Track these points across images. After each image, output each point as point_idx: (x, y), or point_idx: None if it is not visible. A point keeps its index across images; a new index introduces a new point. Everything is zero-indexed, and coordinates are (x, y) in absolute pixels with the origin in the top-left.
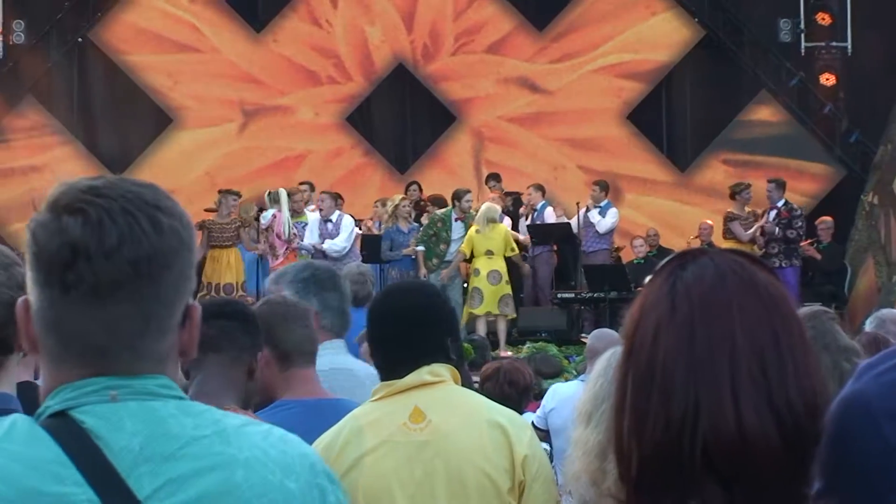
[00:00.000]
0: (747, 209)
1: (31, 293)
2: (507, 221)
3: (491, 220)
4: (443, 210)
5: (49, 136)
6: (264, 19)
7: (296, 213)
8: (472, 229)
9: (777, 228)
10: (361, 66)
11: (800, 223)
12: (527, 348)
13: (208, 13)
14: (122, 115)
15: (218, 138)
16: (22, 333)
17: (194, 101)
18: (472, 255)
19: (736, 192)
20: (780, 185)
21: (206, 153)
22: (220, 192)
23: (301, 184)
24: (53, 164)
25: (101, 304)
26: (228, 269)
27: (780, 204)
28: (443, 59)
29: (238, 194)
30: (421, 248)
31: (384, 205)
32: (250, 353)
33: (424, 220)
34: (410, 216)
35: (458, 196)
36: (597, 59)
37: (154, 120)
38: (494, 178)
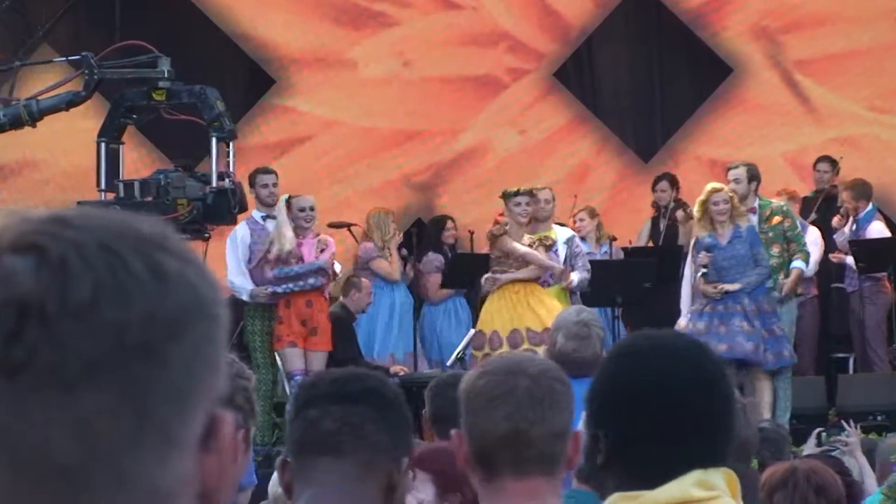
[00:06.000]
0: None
1: None
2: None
3: None
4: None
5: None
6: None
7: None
8: None
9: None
10: (549, 30)
11: None
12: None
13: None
14: (203, 75)
15: None
16: None
17: (333, 203)
18: None
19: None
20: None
21: None
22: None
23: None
24: (81, 149)
25: (67, 396)
26: None
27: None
28: None
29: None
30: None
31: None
32: (389, 456)
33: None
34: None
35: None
36: None
37: (251, 83)
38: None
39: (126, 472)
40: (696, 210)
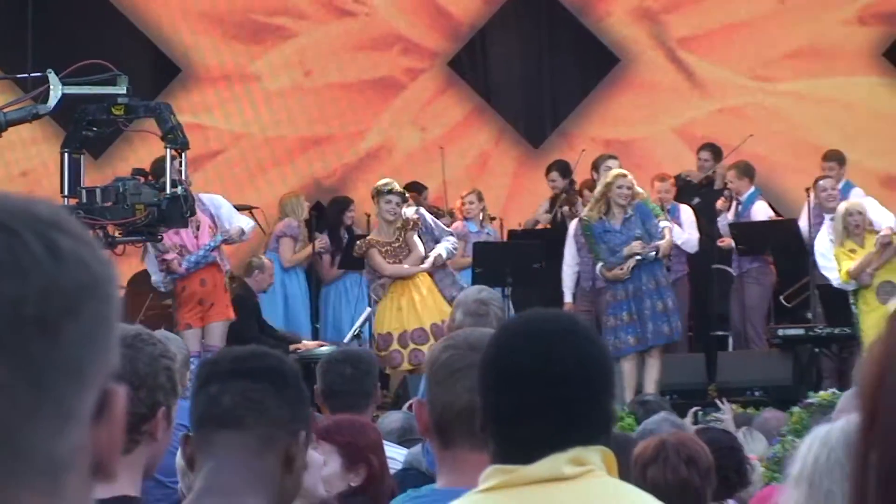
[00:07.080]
0: None
1: None
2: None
3: None
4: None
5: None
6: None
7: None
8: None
9: None
10: (440, 29)
11: None
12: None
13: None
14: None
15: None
16: None
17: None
18: None
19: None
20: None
21: None
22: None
23: None
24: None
25: None
26: None
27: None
28: None
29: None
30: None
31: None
32: (288, 430)
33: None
34: (630, 201)
35: None
36: None
37: (158, 74)
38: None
39: (22, 445)
40: (595, 192)
